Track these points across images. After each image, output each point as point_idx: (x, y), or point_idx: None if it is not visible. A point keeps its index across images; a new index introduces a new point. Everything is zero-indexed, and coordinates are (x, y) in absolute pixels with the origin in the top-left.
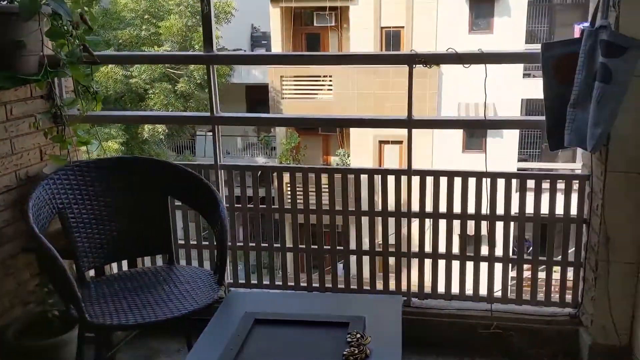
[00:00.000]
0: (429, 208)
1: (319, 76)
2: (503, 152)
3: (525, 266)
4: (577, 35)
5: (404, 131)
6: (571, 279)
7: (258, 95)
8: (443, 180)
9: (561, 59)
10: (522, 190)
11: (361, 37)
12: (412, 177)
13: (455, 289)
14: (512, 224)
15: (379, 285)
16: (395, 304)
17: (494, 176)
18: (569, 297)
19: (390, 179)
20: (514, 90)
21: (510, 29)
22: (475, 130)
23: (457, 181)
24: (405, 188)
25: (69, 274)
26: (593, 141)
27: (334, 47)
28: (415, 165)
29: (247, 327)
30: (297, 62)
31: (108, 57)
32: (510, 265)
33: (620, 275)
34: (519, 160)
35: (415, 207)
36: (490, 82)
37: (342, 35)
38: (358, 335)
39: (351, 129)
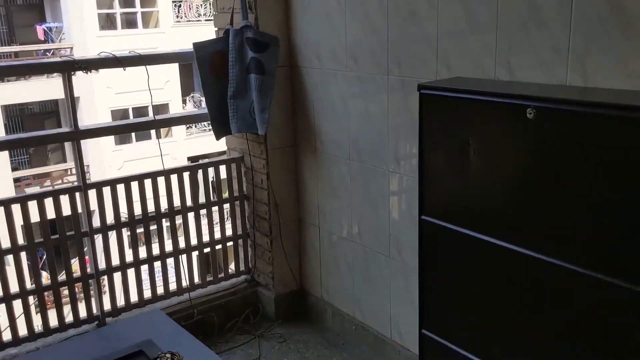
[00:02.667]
0: (110, 220)
1: None
2: None
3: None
4: (40, 35)
5: None
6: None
7: None
8: (120, 188)
9: (213, 56)
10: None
11: None
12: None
13: (147, 293)
14: (190, 215)
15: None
16: (162, 319)
17: (168, 173)
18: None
19: (64, 199)
20: None
21: None
22: None
23: (134, 185)
24: (83, 204)
25: None
26: (264, 125)
27: None
28: None
29: None
30: None
31: None
32: (193, 253)
33: (289, 233)
34: (13, 170)
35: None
36: None
37: None
38: (169, 355)
39: None
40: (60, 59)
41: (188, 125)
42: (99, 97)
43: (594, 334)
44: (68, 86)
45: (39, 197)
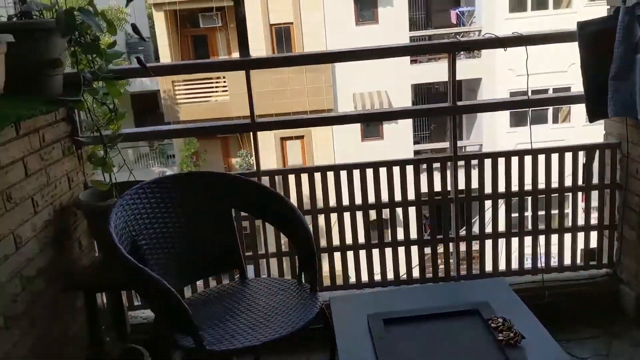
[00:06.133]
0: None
1: (211, 78)
2: (400, 137)
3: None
4: (453, 19)
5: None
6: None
7: (144, 104)
8: (487, 163)
9: (597, 35)
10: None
11: (250, 36)
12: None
13: (502, 265)
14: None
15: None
16: (503, 287)
17: (535, 153)
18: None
19: (436, 166)
20: (403, 77)
21: (394, 18)
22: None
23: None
24: (452, 174)
25: (183, 301)
26: None
27: (223, 48)
28: (318, 157)
29: (381, 328)
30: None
31: (161, 68)
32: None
33: None
34: (414, 143)
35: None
36: (381, 71)
37: (230, 34)
38: (501, 320)
39: None
40: (447, 40)
41: None
42: (499, 79)
43: None
44: (451, 65)
45: (415, 163)
